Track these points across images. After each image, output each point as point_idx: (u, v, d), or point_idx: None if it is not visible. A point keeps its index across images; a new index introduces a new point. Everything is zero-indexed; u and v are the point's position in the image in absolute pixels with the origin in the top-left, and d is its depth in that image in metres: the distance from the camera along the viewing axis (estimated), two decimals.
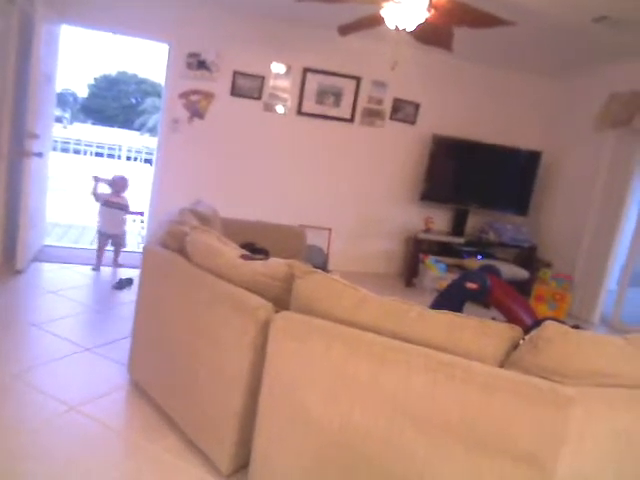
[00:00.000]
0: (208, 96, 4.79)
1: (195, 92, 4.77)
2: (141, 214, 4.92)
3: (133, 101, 23.91)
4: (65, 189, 6.28)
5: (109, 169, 6.72)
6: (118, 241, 4.57)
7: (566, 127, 5.30)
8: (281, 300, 1.90)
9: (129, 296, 3.86)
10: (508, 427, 1.52)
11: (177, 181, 4.79)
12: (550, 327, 1.60)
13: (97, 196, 4.47)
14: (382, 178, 5.35)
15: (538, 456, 1.50)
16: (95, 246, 4.57)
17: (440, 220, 5.50)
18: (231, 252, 2.12)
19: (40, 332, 3.12)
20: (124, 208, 4.51)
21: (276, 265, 1.96)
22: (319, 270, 1.87)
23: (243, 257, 2.06)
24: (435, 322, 1.66)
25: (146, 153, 6.82)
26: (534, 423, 1.51)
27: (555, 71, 5.23)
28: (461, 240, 5.28)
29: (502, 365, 1.63)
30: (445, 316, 1.68)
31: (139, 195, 6.77)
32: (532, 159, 5.31)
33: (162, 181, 4.88)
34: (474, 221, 5.53)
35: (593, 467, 1.54)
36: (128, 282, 4.13)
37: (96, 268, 4.44)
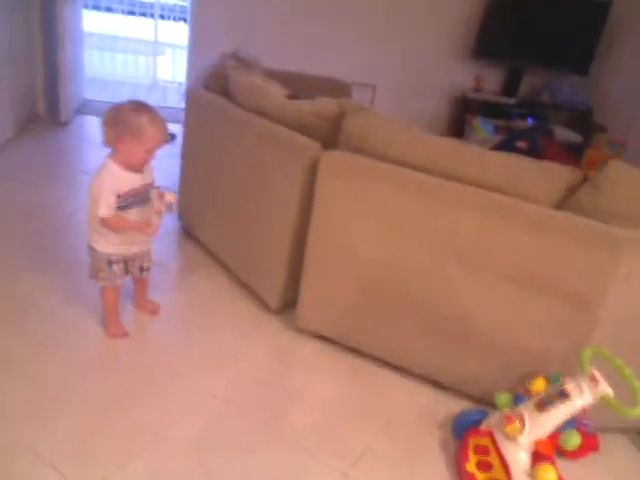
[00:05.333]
0: None
1: None
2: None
3: None
4: (100, 46, 6.09)
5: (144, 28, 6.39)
6: (143, 263, 1.93)
7: None
8: (330, 141, 1.85)
9: (172, 150, 3.86)
10: (558, 267, 1.52)
11: (215, 35, 4.52)
12: (615, 167, 1.52)
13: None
14: (430, 32, 4.92)
15: (584, 295, 1.52)
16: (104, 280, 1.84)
17: (492, 80, 5.14)
18: (277, 91, 2.04)
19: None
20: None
21: (325, 104, 1.88)
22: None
23: (290, 97, 1.98)
24: (494, 162, 1.60)
25: (178, 11, 6.43)
26: (584, 263, 1.49)
27: None
28: (513, 101, 4.97)
29: (559, 208, 1.59)
30: (505, 157, 1.61)
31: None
32: (600, 9, 4.76)
33: (199, 36, 4.62)
34: (529, 82, 5.15)
35: (636, 308, 1.55)
36: (172, 137, 4.11)
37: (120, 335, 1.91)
